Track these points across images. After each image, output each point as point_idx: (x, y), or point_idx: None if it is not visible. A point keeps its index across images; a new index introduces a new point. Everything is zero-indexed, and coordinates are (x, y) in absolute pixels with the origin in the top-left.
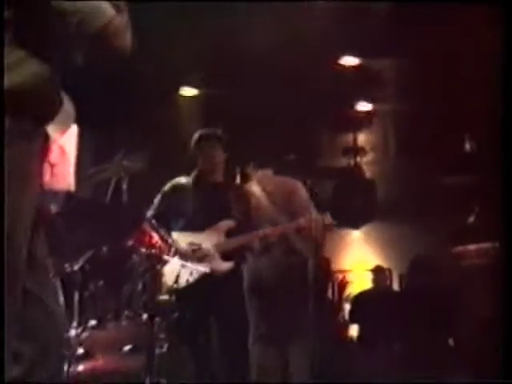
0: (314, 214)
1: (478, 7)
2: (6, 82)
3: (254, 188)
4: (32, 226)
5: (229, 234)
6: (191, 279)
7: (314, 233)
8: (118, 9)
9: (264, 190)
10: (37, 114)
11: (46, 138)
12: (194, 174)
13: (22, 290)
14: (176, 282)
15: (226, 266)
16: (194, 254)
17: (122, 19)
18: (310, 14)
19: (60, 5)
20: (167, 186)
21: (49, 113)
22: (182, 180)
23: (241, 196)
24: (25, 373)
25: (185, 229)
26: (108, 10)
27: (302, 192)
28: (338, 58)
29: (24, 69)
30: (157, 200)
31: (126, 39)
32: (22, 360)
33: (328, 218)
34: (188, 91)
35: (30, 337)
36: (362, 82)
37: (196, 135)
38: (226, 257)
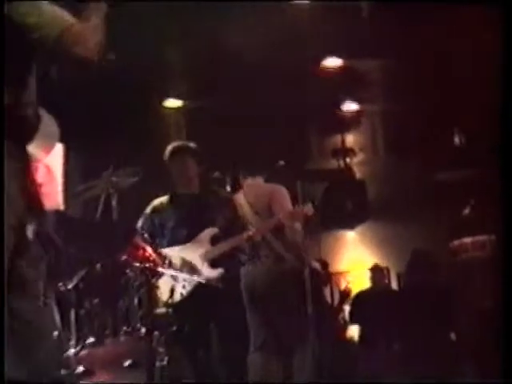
0: (293, 207)
1: (478, 7)
2: None
3: (238, 196)
4: (18, 248)
5: (214, 242)
6: (184, 292)
7: (296, 225)
8: (79, 16)
9: (247, 198)
10: (17, 135)
11: (28, 157)
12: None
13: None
14: (171, 296)
15: (215, 273)
16: (183, 267)
17: (82, 26)
18: (296, 15)
19: (23, 20)
20: (147, 208)
21: (28, 133)
22: (161, 198)
23: (224, 204)
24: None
25: (171, 244)
26: (65, 17)
27: (282, 195)
28: (324, 59)
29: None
30: (140, 223)
31: (89, 46)
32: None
33: (309, 208)
34: (173, 103)
35: (26, 363)
36: (349, 83)
37: (168, 149)
38: (214, 264)
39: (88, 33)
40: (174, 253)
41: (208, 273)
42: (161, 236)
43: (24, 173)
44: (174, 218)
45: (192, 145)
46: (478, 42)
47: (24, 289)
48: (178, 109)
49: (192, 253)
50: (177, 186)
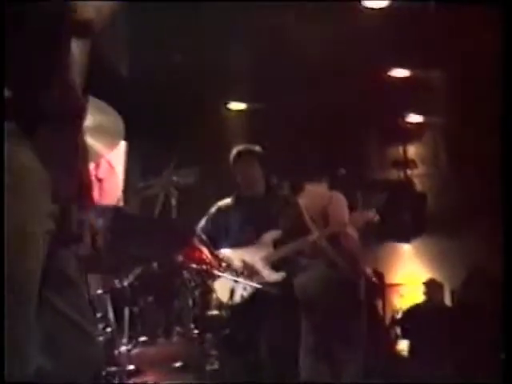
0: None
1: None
2: None
3: (300, 200)
4: (60, 238)
5: (276, 244)
6: (246, 294)
7: (353, 233)
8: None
9: (303, 203)
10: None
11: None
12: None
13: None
14: (231, 297)
15: (276, 276)
16: (244, 269)
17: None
18: (359, 23)
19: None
20: (212, 209)
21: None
22: (226, 199)
23: (288, 207)
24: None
25: (233, 246)
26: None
27: (340, 203)
28: (388, 69)
29: None
30: (203, 222)
31: (96, 19)
32: (47, 377)
33: (371, 213)
34: (236, 105)
35: (56, 354)
36: (412, 94)
37: (233, 153)
38: (276, 268)
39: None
40: (237, 254)
41: (269, 276)
42: (224, 237)
43: (71, 159)
44: (237, 220)
45: (258, 148)
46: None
47: (66, 285)
48: (240, 111)
49: (254, 255)
50: (241, 188)
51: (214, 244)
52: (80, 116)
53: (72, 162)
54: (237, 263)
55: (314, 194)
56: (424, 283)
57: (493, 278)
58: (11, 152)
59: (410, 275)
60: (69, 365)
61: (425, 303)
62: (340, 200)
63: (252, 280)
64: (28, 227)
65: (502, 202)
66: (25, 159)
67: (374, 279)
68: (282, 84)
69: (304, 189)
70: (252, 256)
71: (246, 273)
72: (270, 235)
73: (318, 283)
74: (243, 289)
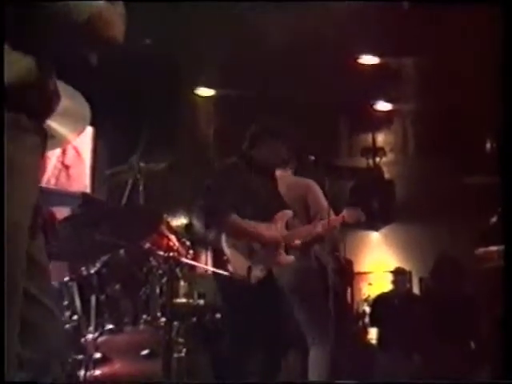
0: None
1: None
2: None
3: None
4: (32, 227)
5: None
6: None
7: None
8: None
9: (282, 192)
10: (32, 109)
11: (45, 135)
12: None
13: (22, 295)
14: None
15: (289, 259)
16: (269, 247)
17: (112, 11)
18: (329, 12)
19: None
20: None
21: (45, 108)
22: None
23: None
24: (30, 378)
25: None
26: (93, 3)
27: (317, 191)
28: (357, 56)
29: (19, 64)
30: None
31: (116, 31)
32: (27, 365)
33: (362, 214)
34: (204, 91)
35: (31, 341)
36: (381, 82)
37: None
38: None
39: (116, 17)
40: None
41: (283, 258)
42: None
43: (41, 149)
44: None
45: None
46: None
47: (36, 271)
48: (209, 97)
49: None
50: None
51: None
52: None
53: None
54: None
55: (288, 181)
56: (392, 271)
57: (460, 266)
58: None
59: (378, 263)
60: (43, 351)
61: (393, 291)
62: (317, 189)
63: (267, 261)
64: (22, 221)
65: (503, 201)
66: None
67: (343, 267)
68: (252, 70)
69: (277, 175)
70: (276, 233)
71: (264, 251)
72: (283, 215)
73: (291, 271)
74: (260, 270)
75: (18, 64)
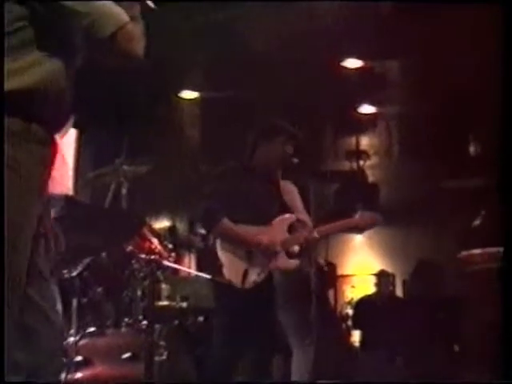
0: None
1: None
2: (19, 83)
3: None
4: (35, 236)
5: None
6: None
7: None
8: (132, 16)
9: None
10: (46, 119)
11: (55, 145)
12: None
13: (22, 299)
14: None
15: (293, 263)
16: (263, 252)
17: (135, 26)
18: (313, 14)
19: (72, 6)
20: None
21: (60, 121)
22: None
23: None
24: (24, 381)
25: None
26: (122, 15)
27: (293, 193)
28: (341, 59)
29: (44, 66)
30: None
31: (139, 46)
32: (21, 368)
33: (378, 216)
34: (188, 94)
35: (29, 345)
36: (365, 85)
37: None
38: (289, 255)
39: (139, 32)
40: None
41: (283, 262)
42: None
43: (50, 161)
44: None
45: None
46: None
47: (35, 274)
48: (192, 100)
49: (270, 236)
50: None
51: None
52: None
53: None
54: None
55: None
56: (375, 274)
57: (441, 268)
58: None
59: (361, 266)
60: (39, 354)
61: (376, 294)
62: (293, 189)
63: (266, 265)
64: (26, 229)
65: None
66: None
67: (325, 269)
68: (234, 73)
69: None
70: (268, 237)
71: (263, 255)
72: (284, 219)
73: (275, 274)
74: (257, 274)
75: (44, 66)
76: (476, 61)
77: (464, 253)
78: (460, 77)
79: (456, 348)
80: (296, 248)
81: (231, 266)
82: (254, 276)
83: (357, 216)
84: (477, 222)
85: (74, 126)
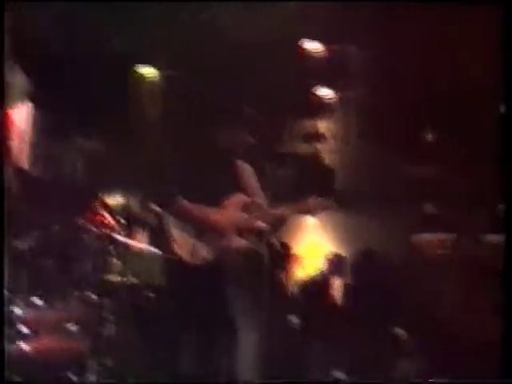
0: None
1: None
2: None
3: None
4: None
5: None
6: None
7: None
8: None
9: None
10: None
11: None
12: None
13: None
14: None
15: (245, 243)
16: (217, 231)
17: None
18: None
19: None
20: None
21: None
22: None
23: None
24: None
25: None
26: None
27: (250, 174)
28: (304, 42)
29: None
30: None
31: None
32: None
33: (330, 202)
34: (146, 71)
35: None
36: (327, 68)
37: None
38: (241, 235)
39: None
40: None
41: (236, 242)
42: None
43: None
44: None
45: None
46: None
47: None
48: (152, 78)
49: (222, 216)
50: None
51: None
52: None
53: None
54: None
55: None
56: (326, 256)
57: (392, 254)
58: None
59: (312, 248)
60: None
61: (325, 276)
62: (250, 171)
63: (218, 244)
64: None
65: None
66: None
67: (278, 250)
68: (193, 52)
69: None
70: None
71: (216, 234)
72: (240, 200)
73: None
74: (207, 251)
75: None
76: (431, 48)
77: (416, 238)
78: (418, 64)
79: (400, 332)
80: (249, 228)
81: (182, 243)
82: (203, 252)
83: (310, 200)
84: (430, 209)
85: (29, 100)
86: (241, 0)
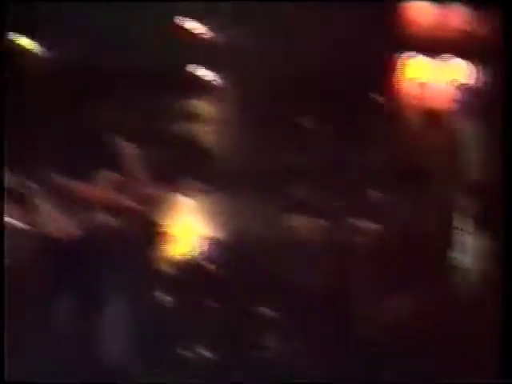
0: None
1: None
2: None
3: None
4: None
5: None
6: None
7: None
8: None
9: None
10: None
11: None
12: None
13: None
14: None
15: (116, 221)
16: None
17: None
18: None
19: None
20: None
21: None
22: None
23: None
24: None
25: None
26: None
27: (129, 156)
28: (179, 21)
29: None
30: None
31: None
32: None
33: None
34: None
35: None
36: (209, 48)
37: None
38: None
39: None
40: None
41: (107, 220)
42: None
43: None
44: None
45: None
46: None
47: None
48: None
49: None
50: None
51: None
52: None
53: None
54: None
55: None
56: (199, 237)
57: (265, 238)
58: None
59: (186, 228)
60: None
61: (198, 256)
62: (128, 149)
63: (89, 221)
64: None
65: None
66: None
67: (150, 229)
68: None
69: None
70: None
71: (87, 211)
72: (113, 178)
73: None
74: (78, 228)
75: None
76: (327, 32)
77: (288, 222)
78: (310, 49)
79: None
80: (119, 206)
81: (51, 218)
82: (73, 229)
83: (185, 181)
84: (303, 194)
85: None
86: None
